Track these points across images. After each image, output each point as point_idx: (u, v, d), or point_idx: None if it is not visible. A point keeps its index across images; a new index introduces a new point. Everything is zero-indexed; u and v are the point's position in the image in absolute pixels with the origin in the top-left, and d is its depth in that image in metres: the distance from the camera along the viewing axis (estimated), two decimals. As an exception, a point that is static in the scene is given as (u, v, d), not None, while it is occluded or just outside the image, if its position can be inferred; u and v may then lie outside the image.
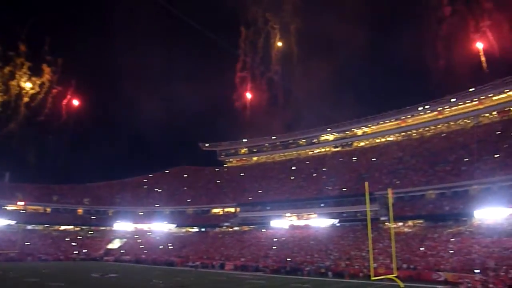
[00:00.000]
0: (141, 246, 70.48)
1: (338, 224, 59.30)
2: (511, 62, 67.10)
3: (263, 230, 65.60)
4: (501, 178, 47.07)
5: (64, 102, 78.64)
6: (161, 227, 78.07)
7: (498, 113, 63.88)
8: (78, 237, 74.87)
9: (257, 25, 77.77)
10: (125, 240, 75.25)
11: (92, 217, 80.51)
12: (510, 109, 62.84)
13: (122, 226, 78.31)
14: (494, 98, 64.24)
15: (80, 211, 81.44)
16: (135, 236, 76.08)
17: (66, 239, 72.73)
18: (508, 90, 62.72)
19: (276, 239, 58.79)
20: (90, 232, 78.14)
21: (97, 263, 60.04)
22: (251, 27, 79.32)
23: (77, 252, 67.81)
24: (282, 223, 64.18)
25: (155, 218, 79.74)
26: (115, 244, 74.35)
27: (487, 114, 65.27)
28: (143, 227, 78.67)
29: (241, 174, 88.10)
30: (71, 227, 78.52)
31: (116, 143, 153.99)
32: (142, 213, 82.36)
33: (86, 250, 69.16)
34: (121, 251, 69.90)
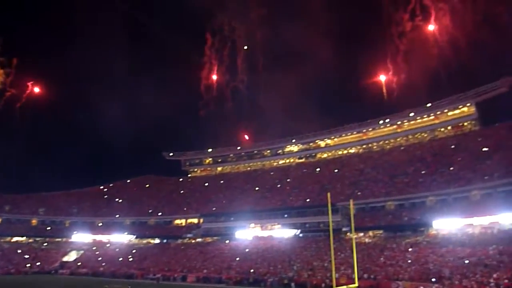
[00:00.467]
0: (99, 258, 67.78)
1: (301, 235, 59.73)
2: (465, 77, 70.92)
3: (226, 241, 64.96)
4: (456, 190, 49.34)
5: (18, 105, 75.66)
6: (121, 239, 75.53)
7: (452, 127, 67.18)
8: (32, 249, 71.08)
9: (223, 33, 78.34)
10: (82, 252, 72.14)
11: (47, 228, 76.78)
12: (463, 124, 66.28)
13: (80, 237, 75.10)
14: (449, 113, 67.57)
15: (34, 221, 77.53)
16: (93, 248, 73.13)
17: (18, 251, 68.83)
18: (461, 106, 66.24)
19: (239, 250, 58.34)
20: (44, 244, 74.40)
21: (51, 277, 57.17)
22: (217, 35, 79.74)
23: (29, 265, 64.30)
24: (246, 234, 63.85)
25: (115, 229, 77.11)
26: (71, 257, 71.10)
27: (442, 129, 68.43)
28: (102, 239, 75.74)
29: (205, 184, 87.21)
30: (23, 238, 74.55)
31: (75, 151, 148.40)
32: (101, 224, 79.48)
33: (39, 263, 65.72)
34: (78, 263, 66.91)
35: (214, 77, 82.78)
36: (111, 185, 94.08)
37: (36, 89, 78.38)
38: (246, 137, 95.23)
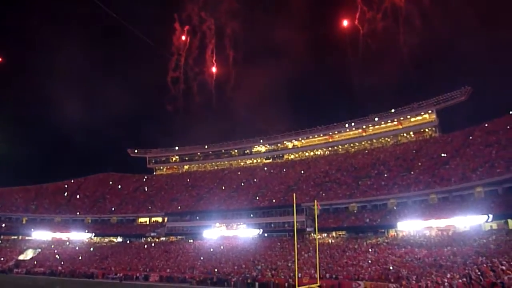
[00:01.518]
0: (57, 257, 65.34)
1: (266, 235, 60.14)
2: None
3: (190, 240, 64.39)
4: (415, 193, 51.27)
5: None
6: (81, 237, 73.23)
7: (414, 133, 69.78)
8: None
9: (192, 24, 77.64)
10: (39, 250, 69.29)
11: (2, 225, 73.24)
12: (425, 131, 68.99)
13: (37, 235, 72.09)
14: (411, 119, 70.13)
15: (-13, 218, 73.85)
16: (52, 246, 70.42)
17: (-31, 249, 65.38)
18: (423, 113, 68.93)
19: (204, 250, 57.96)
20: (-2, 242, 71.00)
21: (5, 276, 54.59)
22: (185, 25, 78.97)
23: (-19, 263, 61.18)
24: (211, 233, 63.55)
25: (75, 227, 74.69)
26: (28, 255, 68.10)
27: (405, 134, 70.93)
28: (61, 236, 73.08)
29: (171, 182, 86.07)
30: (-24, 235, 70.97)
31: (35, 145, 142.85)
32: (60, 221, 76.70)
33: (-8, 261, 62.62)
34: (34, 262, 64.20)
35: (181, 70, 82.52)
36: (72, 181, 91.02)
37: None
38: None
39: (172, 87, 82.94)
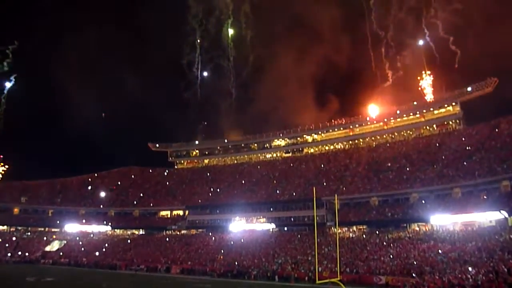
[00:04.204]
0: (82, 249, 67.17)
1: (286, 229, 60.15)
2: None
3: (210, 233, 65.03)
4: (438, 187, 50.20)
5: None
6: (104, 229, 74.98)
7: (437, 126, 68.14)
8: (13, 238, 70.02)
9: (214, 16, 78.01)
10: (65, 242, 71.37)
11: (30, 217, 75.66)
12: (448, 123, 67.31)
13: (63, 227, 74.25)
14: (434, 112, 68.53)
15: (16, 210, 76.34)
16: (77, 238, 72.41)
17: (-1, 240, 67.80)
18: (447, 105, 67.23)
19: (224, 243, 58.47)
20: (26, 233, 73.37)
21: (32, 266, 56.45)
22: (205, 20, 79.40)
23: (10, 254, 63.37)
24: (232, 226, 64.02)
25: (98, 219, 76.44)
26: (54, 246, 70.27)
27: (428, 127, 69.38)
28: (86, 229, 75.02)
29: (191, 176, 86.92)
30: (5, 227, 73.42)
31: (60, 140, 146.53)
32: (84, 214, 78.64)
33: (21, 252, 64.81)
34: (60, 253, 66.17)
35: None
36: (95, 175, 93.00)
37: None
38: None
39: (189, 73, 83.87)
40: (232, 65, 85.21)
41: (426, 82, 74.54)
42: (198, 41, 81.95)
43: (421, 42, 73.45)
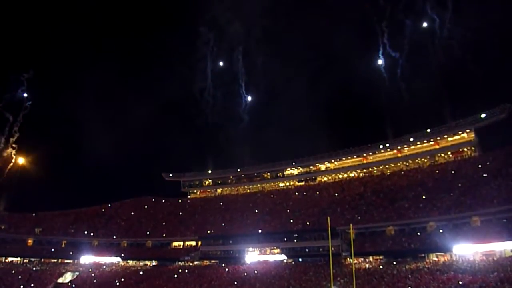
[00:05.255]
0: (94, 280, 66.63)
1: (300, 259, 58.98)
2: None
3: (223, 264, 64.07)
4: (456, 216, 49.03)
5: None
6: (117, 260, 74.51)
7: (452, 153, 67.30)
8: (26, 269, 69.98)
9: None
10: (77, 273, 70.98)
11: (43, 248, 75.80)
12: (463, 150, 66.44)
13: (76, 258, 74.08)
14: (449, 139, 67.84)
15: (30, 241, 76.69)
16: (89, 270, 71.98)
17: (12, 271, 67.75)
18: (461, 132, 66.56)
19: (238, 274, 57.47)
20: (39, 265, 73.29)
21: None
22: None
23: (22, 286, 63.14)
24: (245, 257, 63.06)
25: (111, 251, 76.16)
26: (66, 278, 69.88)
27: (442, 154, 68.55)
28: (99, 260, 74.68)
29: (204, 206, 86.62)
30: (19, 259, 73.60)
31: (73, 170, 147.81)
32: (97, 245, 78.50)
33: (33, 285, 64.54)
34: (72, 285, 65.71)
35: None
36: (109, 205, 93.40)
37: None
38: None
39: (200, 100, 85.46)
40: (243, 91, 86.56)
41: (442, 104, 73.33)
42: (209, 68, 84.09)
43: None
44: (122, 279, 65.12)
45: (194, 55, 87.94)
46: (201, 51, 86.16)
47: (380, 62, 74.90)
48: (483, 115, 63.85)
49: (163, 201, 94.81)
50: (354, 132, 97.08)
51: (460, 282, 36.27)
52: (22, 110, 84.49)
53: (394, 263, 48.74)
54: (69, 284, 67.01)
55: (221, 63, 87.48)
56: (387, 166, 73.89)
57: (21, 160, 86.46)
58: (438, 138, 68.78)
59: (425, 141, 69.99)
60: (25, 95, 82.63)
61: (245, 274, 56.76)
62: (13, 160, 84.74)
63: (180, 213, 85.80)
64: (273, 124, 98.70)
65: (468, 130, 65.71)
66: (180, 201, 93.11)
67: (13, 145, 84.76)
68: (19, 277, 66.30)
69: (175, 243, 76.59)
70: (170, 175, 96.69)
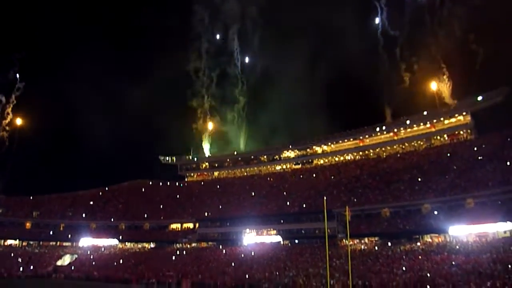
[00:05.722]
0: (93, 263, 67.31)
1: (297, 241, 59.68)
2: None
3: (221, 246, 64.80)
4: (451, 198, 49.55)
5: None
6: (115, 243, 75.13)
7: (448, 136, 67.57)
8: (25, 252, 70.50)
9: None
10: (76, 256, 71.63)
11: (42, 232, 76.24)
12: (459, 133, 66.73)
13: (74, 241, 74.63)
14: (445, 121, 68.01)
15: (28, 224, 76.97)
16: (88, 252, 72.63)
17: (11, 254, 68.23)
18: (458, 115, 66.70)
19: (235, 256, 58.17)
20: (38, 248, 73.83)
21: (44, 281, 56.67)
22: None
23: (22, 269, 63.70)
24: (242, 239, 63.73)
25: (109, 233, 76.72)
26: (65, 260, 70.50)
27: (438, 137, 68.82)
28: (97, 242, 75.28)
29: (201, 189, 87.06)
30: (17, 241, 74.04)
31: (70, 154, 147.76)
32: (95, 228, 79.00)
33: (33, 267, 65.07)
34: (71, 267, 66.39)
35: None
36: (106, 189, 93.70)
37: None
38: None
39: (196, 81, 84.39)
40: (239, 71, 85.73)
41: (443, 85, 72.94)
42: (205, 46, 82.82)
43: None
44: (121, 261, 65.79)
45: (189, 34, 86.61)
46: (196, 30, 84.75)
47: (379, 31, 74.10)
48: (479, 98, 63.91)
49: (160, 184, 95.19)
50: (351, 114, 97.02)
51: (454, 263, 36.85)
52: (14, 91, 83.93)
53: (389, 244, 49.43)
54: (69, 266, 67.68)
55: (216, 40, 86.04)
56: (383, 149, 74.23)
57: (13, 143, 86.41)
58: (435, 120, 68.99)
59: (421, 124, 70.20)
60: (17, 76, 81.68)
61: (242, 255, 57.44)
62: (6, 143, 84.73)
63: (178, 196, 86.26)
64: (270, 106, 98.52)
65: (464, 113, 65.90)
66: (177, 184, 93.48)
67: (6, 127, 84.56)
68: (19, 259, 66.72)
69: (173, 226, 77.24)
70: (167, 158, 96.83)
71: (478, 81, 65.32)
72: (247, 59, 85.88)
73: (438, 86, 73.17)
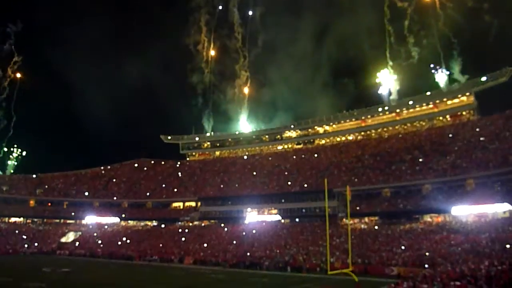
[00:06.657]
0: (97, 240, 68.45)
1: (298, 220, 60.36)
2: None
3: (222, 224, 65.63)
4: (451, 178, 49.76)
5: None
6: (118, 220, 76.15)
7: (451, 116, 67.23)
8: (29, 229, 71.61)
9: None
10: (79, 233, 72.76)
11: (46, 209, 77.23)
12: (462, 113, 66.37)
13: (78, 218, 75.67)
14: (448, 102, 67.52)
15: (32, 202, 77.88)
16: (91, 229, 73.76)
17: (16, 231, 69.33)
18: (461, 96, 66.18)
19: (236, 234, 58.98)
20: (42, 225, 74.94)
21: (49, 257, 57.74)
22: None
23: (27, 245, 64.85)
24: (243, 218, 64.48)
25: (112, 211, 77.68)
26: (69, 238, 71.72)
27: (441, 118, 68.50)
28: (100, 220, 76.32)
29: (203, 168, 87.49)
30: (21, 219, 75.08)
31: (73, 133, 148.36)
32: (98, 206, 79.94)
33: (37, 244, 66.25)
34: (75, 244, 67.56)
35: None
36: (109, 167, 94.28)
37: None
38: None
39: (196, 55, 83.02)
40: (240, 46, 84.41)
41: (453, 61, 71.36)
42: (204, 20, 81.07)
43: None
44: (124, 238, 66.87)
45: (188, 5, 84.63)
46: (196, 0, 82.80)
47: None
48: (483, 78, 63.28)
49: (162, 163, 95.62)
50: (357, 90, 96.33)
51: (452, 242, 37.36)
52: (10, 65, 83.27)
53: (389, 224, 49.97)
54: (73, 243, 68.86)
55: (217, 12, 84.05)
56: (385, 129, 74.00)
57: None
58: (437, 101, 68.43)
59: (424, 104, 69.72)
60: (13, 47, 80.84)
61: (244, 233, 58.25)
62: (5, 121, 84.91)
63: (180, 175, 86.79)
64: (273, 83, 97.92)
65: (467, 94, 65.35)
66: (179, 163, 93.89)
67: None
68: (24, 236, 67.86)
69: (175, 204, 78.05)
70: (169, 137, 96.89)
71: (491, 57, 63.76)
72: (248, 32, 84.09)
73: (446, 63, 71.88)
